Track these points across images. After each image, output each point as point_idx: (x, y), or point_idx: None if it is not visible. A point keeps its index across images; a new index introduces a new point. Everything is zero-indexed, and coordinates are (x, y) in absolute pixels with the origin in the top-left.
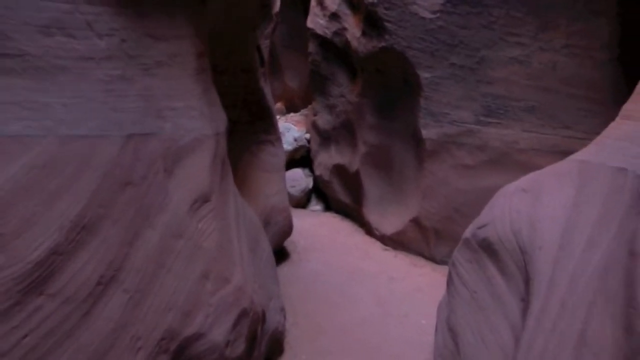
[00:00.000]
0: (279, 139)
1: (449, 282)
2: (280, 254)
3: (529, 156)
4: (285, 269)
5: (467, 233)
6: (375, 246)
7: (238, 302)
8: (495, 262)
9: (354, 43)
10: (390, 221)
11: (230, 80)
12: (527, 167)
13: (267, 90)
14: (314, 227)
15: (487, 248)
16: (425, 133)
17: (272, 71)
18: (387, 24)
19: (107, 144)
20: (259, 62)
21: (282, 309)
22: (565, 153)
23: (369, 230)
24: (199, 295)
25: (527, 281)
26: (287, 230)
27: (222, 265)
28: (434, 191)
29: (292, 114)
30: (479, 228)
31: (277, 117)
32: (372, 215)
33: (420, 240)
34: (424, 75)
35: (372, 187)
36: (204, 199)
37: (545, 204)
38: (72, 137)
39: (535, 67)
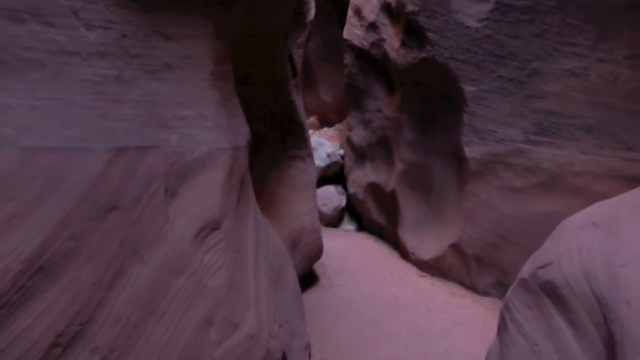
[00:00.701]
0: (310, 155)
1: (502, 327)
2: (309, 278)
3: (586, 180)
4: (313, 295)
5: (525, 272)
6: (411, 272)
7: (250, 353)
8: (563, 310)
9: (393, 54)
10: (428, 245)
11: (259, 91)
12: (583, 193)
13: (299, 103)
14: (346, 248)
15: (552, 292)
16: (468, 151)
17: (305, 84)
18: (428, 33)
19: (88, 159)
20: (291, 73)
21: (307, 347)
22: (627, 178)
23: (404, 254)
24: (200, 346)
25: (611, 344)
26: (317, 253)
27: (231, 308)
28: (476, 215)
29: (325, 129)
30: (541, 267)
31: (310, 131)
32: (408, 238)
33: (461, 268)
34: (469, 88)
35: (408, 208)
36: (214, 226)
37: (627, 243)
38: (39, 149)
39: (594, 80)
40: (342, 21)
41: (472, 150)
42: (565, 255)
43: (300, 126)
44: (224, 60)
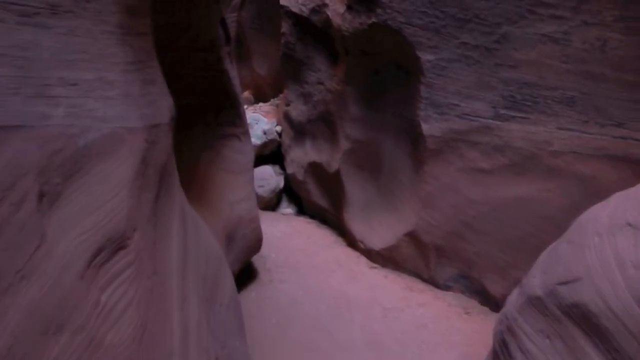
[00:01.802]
0: (246, 133)
1: (503, 355)
2: (247, 273)
3: (567, 161)
4: (252, 293)
5: (537, 287)
6: (360, 263)
7: None
8: (602, 346)
9: (337, 20)
10: (379, 233)
11: (187, 59)
12: (563, 175)
13: (234, 73)
14: (287, 235)
15: (583, 320)
16: (426, 128)
17: (239, 56)
18: None
19: None
20: (224, 39)
21: None
22: (616, 158)
23: (351, 241)
24: None
25: None
26: (256, 244)
27: None
28: (436, 200)
29: (261, 104)
30: (563, 284)
31: (244, 107)
32: (355, 224)
33: (417, 259)
34: (426, 57)
35: (355, 190)
36: (118, 244)
37: None
38: None
39: (577, 46)
40: None
41: (431, 127)
42: (598, 269)
43: (235, 100)
44: (140, 11)
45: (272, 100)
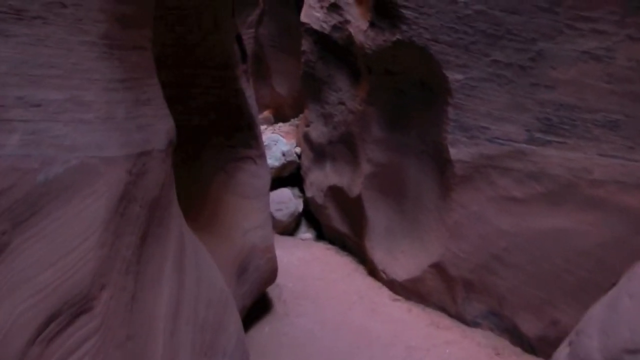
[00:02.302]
0: (262, 156)
1: None
2: (261, 306)
3: (609, 191)
4: (266, 328)
5: (597, 352)
6: (382, 294)
7: None
8: None
9: (359, 38)
10: (402, 263)
11: (199, 76)
12: (604, 207)
13: (250, 93)
14: (305, 263)
15: None
16: (454, 153)
17: (258, 75)
18: (404, 10)
19: None
20: (240, 56)
21: None
22: None
23: (372, 270)
24: None
25: None
26: (271, 276)
27: None
28: (464, 230)
29: (280, 124)
30: (632, 353)
31: (263, 127)
32: (377, 252)
33: (444, 293)
34: (455, 76)
35: (377, 216)
36: (79, 308)
37: None
38: None
39: (621, 64)
40: (298, 5)
41: (459, 152)
42: None
43: (250, 121)
44: (136, 22)
45: (292, 120)
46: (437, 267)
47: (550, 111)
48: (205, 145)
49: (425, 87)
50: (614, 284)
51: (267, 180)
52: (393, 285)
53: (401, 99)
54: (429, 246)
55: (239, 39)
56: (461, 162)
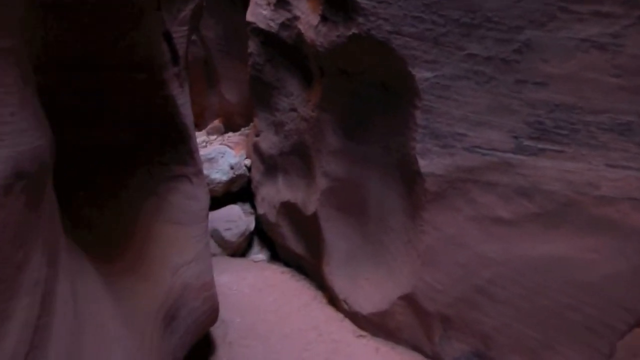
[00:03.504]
0: (199, 173)
1: None
2: (201, 350)
3: (621, 210)
4: None
5: None
6: (344, 329)
7: None
8: None
9: (310, 35)
10: (367, 293)
11: (119, 82)
12: (615, 229)
13: (184, 100)
14: (256, 292)
15: None
16: (424, 165)
17: (207, 82)
18: (360, 0)
19: None
20: (170, 58)
21: None
22: None
23: (332, 298)
24: None
25: None
26: (210, 318)
27: None
28: (440, 257)
29: (230, 134)
30: None
31: (213, 137)
32: (337, 279)
33: (417, 329)
34: (423, 74)
35: (336, 238)
36: None
37: None
38: None
39: (632, 53)
40: (245, 5)
41: (430, 163)
42: None
43: (184, 133)
44: None
45: (242, 129)
46: (409, 300)
47: (543, 113)
48: (135, 165)
49: (387, 88)
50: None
51: (205, 202)
52: (357, 319)
53: (360, 103)
54: (397, 274)
55: (167, 37)
56: (433, 175)
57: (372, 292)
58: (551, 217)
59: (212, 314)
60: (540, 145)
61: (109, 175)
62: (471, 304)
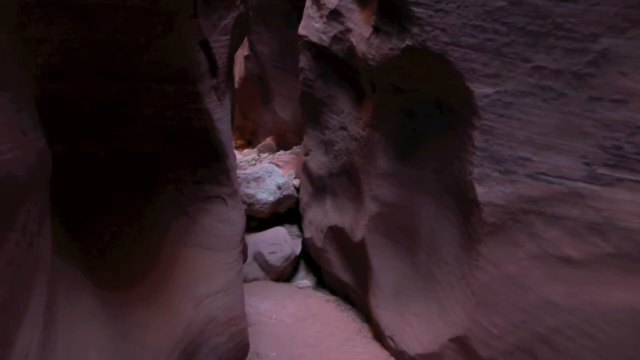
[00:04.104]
0: (235, 194)
1: None
2: None
3: None
4: None
5: None
6: None
7: None
8: None
9: (361, 47)
10: (416, 332)
11: (149, 92)
12: None
13: (221, 115)
14: (298, 321)
15: None
16: (482, 193)
17: (261, 99)
18: (415, 8)
19: None
20: (208, 69)
21: None
22: None
23: (378, 334)
24: None
25: None
26: (237, 356)
27: None
28: (498, 298)
29: (281, 152)
30: None
31: (265, 155)
32: (383, 312)
33: None
34: (483, 90)
35: (384, 268)
36: None
37: None
38: None
39: None
40: (300, 19)
41: (489, 191)
42: None
43: (220, 150)
44: None
45: (293, 148)
46: (460, 343)
47: (621, 136)
48: (164, 182)
49: (443, 106)
50: None
51: (239, 226)
52: (403, 359)
53: (413, 122)
54: (449, 313)
55: (205, 46)
56: (492, 205)
57: (421, 330)
58: (629, 259)
59: (240, 351)
60: (617, 174)
61: (132, 190)
62: (531, 354)
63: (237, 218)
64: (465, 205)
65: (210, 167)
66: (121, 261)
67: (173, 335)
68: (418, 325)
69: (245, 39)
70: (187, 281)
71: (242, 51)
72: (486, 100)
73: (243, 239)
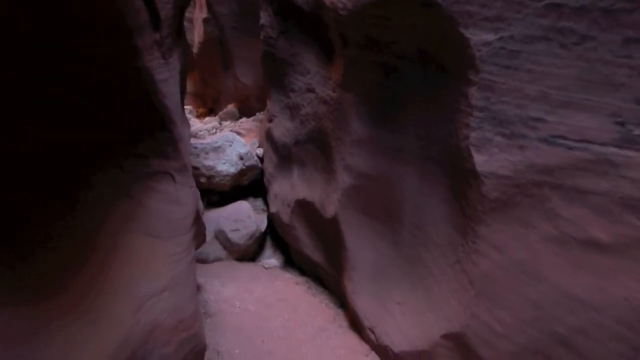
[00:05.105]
0: (185, 170)
1: None
2: None
3: None
4: None
5: None
6: None
7: None
8: None
9: None
10: (401, 323)
11: (79, 48)
12: None
13: (167, 75)
14: (264, 309)
15: None
16: (482, 161)
17: (223, 65)
18: None
19: None
20: (149, 20)
21: None
22: None
23: (355, 322)
24: None
25: None
26: None
27: None
28: (502, 288)
29: (243, 120)
30: None
31: (227, 122)
32: (362, 299)
33: None
34: (481, 37)
35: (361, 247)
36: None
37: None
38: None
39: None
40: None
41: (491, 159)
42: None
43: (164, 116)
44: None
45: (257, 114)
46: (457, 341)
47: None
48: (102, 158)
49: (429, 59)
50: None
51: (190, 207)
52: (386, 355)
53: (392, 80)
54: (441, 304)
55: None
56: (495, 176)
57: (406, 322)
58: None
59: (195, 356)
60: None
61: (64, 172)
62: (546, 358)
63: (188, 197)
64: (458, 177)
65: (154, 138)
66: (50, 262)
67: (106, 350)
68: (402, 316)
69: (203, 0)
70: (127, 279)
71: (201, 14)
72: (486, 50)
73: (195, 223)
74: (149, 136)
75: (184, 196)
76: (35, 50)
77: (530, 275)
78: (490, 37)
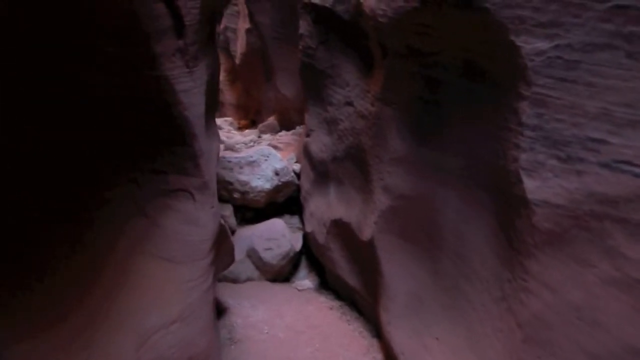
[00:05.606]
0: (205, 188)
1: None
2: None
3: None
4: None
5: None
6: None
7: None
8: None
9: (370, 2)
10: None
11: (91, 55)
12: None
13: (188, 86)
14: (293, 336)
15: None
16: (533, 187)
17: (265, 76)
18: None
19: None
20: (172, 26)
21: None
22: None
23: (391, 356)
24: None
25: None
26: None
27: None
28: (555, 334)
29: (282, 133)
30: None
31: (267, 135)
32: (397, 331)
33: None
34: (534, 45)
35: (398, 275)
36: None
37: None
38: None
39: None
40: None
41: (544, 186)
42: None
43: (184, 129)
44: None
45: (297, 128)
46: None
47: None
48: (114, 174)
49: (476, 72)
50: None
51: (210, 229)
52: None
53: (435, 93)
54: (484, 345)
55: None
56: (548, 205)
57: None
58: None
59: None
60: None
61: (76, 189)
62: None
63: (208, 218)
64: (506, 203)
65: (173, 152)
66: (54, 288)
67: None
68: (441, 355)
69: (246, 10)
70: (134, 308)
71: (244, 24)
72: (539, 59)
73: (215, 246)
74: (168, 150)
75: (203, 217)
76: (36, 50)
77: (587, 322)
78: (544, 45)
